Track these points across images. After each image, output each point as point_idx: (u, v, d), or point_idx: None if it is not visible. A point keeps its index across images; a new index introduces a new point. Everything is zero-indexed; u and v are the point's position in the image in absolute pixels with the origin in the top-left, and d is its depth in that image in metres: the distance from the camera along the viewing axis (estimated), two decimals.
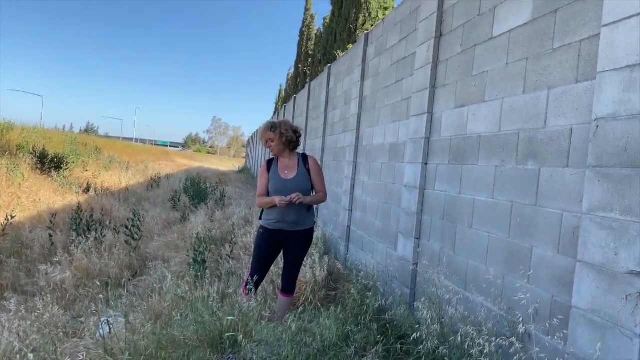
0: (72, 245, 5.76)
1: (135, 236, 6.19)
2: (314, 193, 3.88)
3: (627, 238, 1.90)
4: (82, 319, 3.78)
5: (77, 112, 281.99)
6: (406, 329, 3.38)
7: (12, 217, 6.63)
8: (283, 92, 34.32)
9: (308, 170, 3.82)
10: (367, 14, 11.20)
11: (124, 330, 2.89)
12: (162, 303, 3.65)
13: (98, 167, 16.68)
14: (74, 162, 14.40)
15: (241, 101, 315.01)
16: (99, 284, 4.24)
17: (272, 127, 3.80)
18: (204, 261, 4.70)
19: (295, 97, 13.58)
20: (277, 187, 3.68)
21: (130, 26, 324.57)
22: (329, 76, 8.58)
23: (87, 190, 12.34)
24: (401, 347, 3.20)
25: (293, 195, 3.51)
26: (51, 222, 7.05)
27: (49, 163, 13.09)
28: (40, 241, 6.54)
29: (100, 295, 3.75)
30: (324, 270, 4.73)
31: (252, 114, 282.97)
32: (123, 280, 4.83)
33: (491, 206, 3.02)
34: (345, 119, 7.02)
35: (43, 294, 4.43)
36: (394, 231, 4.60)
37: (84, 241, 5.77)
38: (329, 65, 8.82)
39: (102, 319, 3.19)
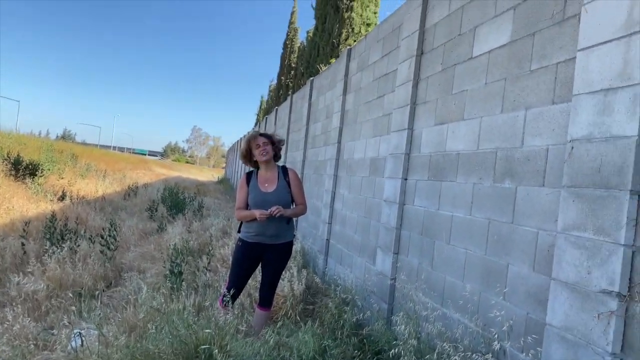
0: (46, 254, 5.63)
1: (111, 246, 6.08)
2: (294, 205, 3.86)
3: (600, 257, 1.95)
4: (53, 330, 3.69)
5: (54, 118, 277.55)
6: (383, 345, 3.39)
7: None
8: (264, 104, 34.33)
9: (288, 183, 3.81)
10: (350, 30, 11.33)
11: (97, 343, 2.83)
12: (136, 315, 3.58)
13: (74, 174, 16.39)
14: (49, 169, 14.12)
15: (222, 111, 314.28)
16: (72, 295, 4.14)
17: (263, 134, 3.85)
18: (180, 273, 4.63)
19: (277, 109, 13.60)
20: (258, 200, 3.65)
21: (110, 32, 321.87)
22: (311, 89, 8.63)
23: (62, 198, 12.10)
24: None
25: (273, 209, 3.49)
26: (24, 230, 6.89)
27: (23, 170, 12.82)
28: (12, 250, 6.37)
29: (73, 307, 3.66)
30: (302, 284, 4.71)
31: (232, 124, 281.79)
32: (97, 291, 4.73)
33: (469, 223, 3.05)
34: (327, 132, 7.05)
35: (14, 304, 4.31)
36: (373, 245, 4.62)
37: (58, 251, 5.65)
38: (311, 78, 8.88)
39: (75, 331, 3.12)
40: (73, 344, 3.06)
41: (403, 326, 3.13)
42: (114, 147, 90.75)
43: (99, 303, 4.23)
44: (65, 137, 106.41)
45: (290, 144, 10.29)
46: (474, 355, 2.51)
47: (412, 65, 4.07)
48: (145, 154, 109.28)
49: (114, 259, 6.00)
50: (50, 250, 5.68)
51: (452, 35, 3.55)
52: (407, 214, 3.96)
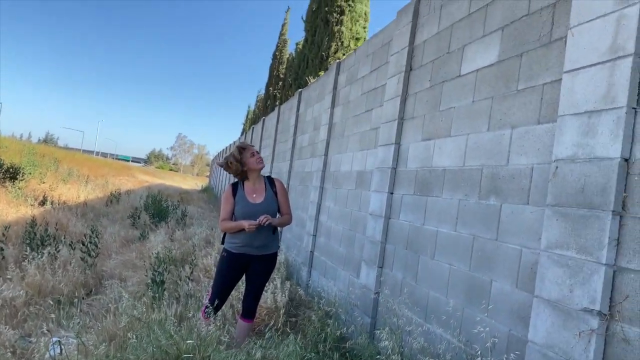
0: (25, 260, 5.52)
1: (92, 253, 5.99)
2: (279, 215, 3.86)
3: (582, 276, 1.98)
4: (32, 338, 3.61)
5: (36, 121, 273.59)
6: (366, 359, 3.38)
7: None
8: (251, 114, 34.31)
9: (275, 193, 3.82)
10: (339, 43, 11.42)
11: (76, 352, 2.77)
12: (117, 324, 3.53)
13: (56, 179, 16.15)
14: (30, 173, 13.91)
15: (207, 120, 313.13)
16: (51, 302, 4.05)
17: (253, 146, 3.88)
18: (162, 282, 4.58)
19: (264, 119, 13.60)
20: (246, 211, 3.62)
21: (95, 36, 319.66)
22: (299, 101, 8.66)
23: (43, 203, 11.91)
24: None
25: (262, 218, 3.48)
26: (3, 235, 6.75)
27: (3, 173, 12.61)
28: None
29: (52, 315, 3.59)
30: (285, 296, 4.69)
31: (218, 133, 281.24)
32: (76, 299, 4.64)
33: (454, 238, 3.08)
34: (314, 144, 7.07)
35: None
36: (358, 259, 4.62)
37: (37, 256, 5.54)
38: (299, 90, 8.91)
39: (53, 339, 3.06)
40: (51, 352, 3.00)
41: (386, 341, 3.13)
42: (97, 153, 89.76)
43: (78, 311, 4.16)
44: (48, 140, 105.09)
45: (276, 154, 10.29)
46: None
47: (401, 81, 4.12)
48: (128, 160, 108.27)
49: (94, 266, 5.91)
50: (30, 256, 5.57)
51: (440, 53, 3.60)
52: (392, 228, 3.98)
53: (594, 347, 1.88)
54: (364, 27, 11.83)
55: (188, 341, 2.76)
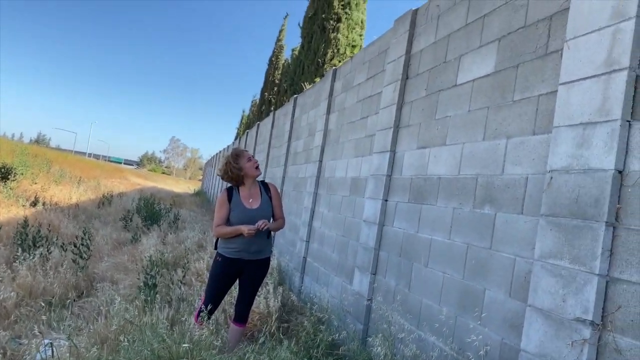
0: (17, 261, 5.47)
1: (84, 255, 5.95)
2: (272, 219, 3.86)
3: (575, 286, 2.00)
4: (23, 340, 3.57)
5: (28, 121, 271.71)
6: None
7: None
8: (246, 118, 34.30)
9: (270, 198, 3.82)
10: (335, 50, 11.47)
11: (68, 354, 2.75)
12: (108, 327, 3.50)
13: (48, 180, 16.05)
14: (22, 174, 13.81)
15: (201, 123, 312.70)
16: (43, 304, 4.02)
17: (247, 151, 3.89)
18: (154, 285, 4.56)
19: (259, 124, 13.61)
20: (243, 217, 3.60)
21: (90, 38, 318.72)
22: (294, 107, 8.68)
23: (34, 203, 11.81)
24: None
25: (260, 223, 3.48)
26: None
27: None
28: None
29: (44, 316, 3.56)
30: (278, 301, 4.68)
31: (211, 137, 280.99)
32: (68, 300, 4.61)
33: (448, 247, 3.10)
34: (309, 150, 7.08)
35: None
36: (351, 265, 4.63)
37: (29, 257, 5.50)
38: (295, 96, 8.93)
39: (45, 341, 3.03)
40: (41, 354, 2.97)
41: (379, 347, 3.13)
42: (90, 154, 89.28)
43: (69, 313, 4.12)
44: (39, 141, 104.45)
45: (270, 159, 10.29)
46: None
47: (397, 89, 4.14)
48: (121, 163, 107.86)
49: (86, 268, 5.87)
50: (22, 257, 5.53)
51: (437, 62, 3.63)
52: (386, 235, 3.99)
53: (586, 356, 1.90)
54: (360, 35, 11.90)
55: (184, 344, 2.75)
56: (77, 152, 76.94)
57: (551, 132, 2.30)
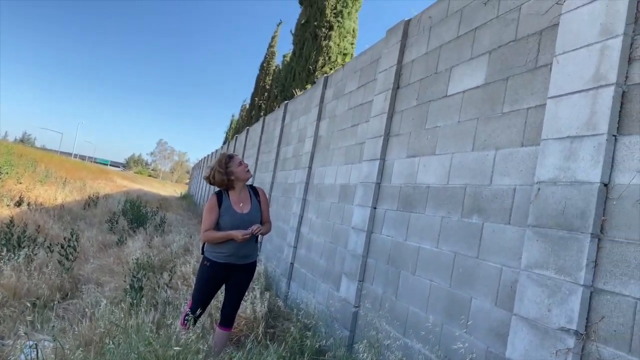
0: (1, 261, 5.40)
1: (70, 257, 5.88)
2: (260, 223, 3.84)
3: (560, 296, 2.03)
4: (7, 341, 3.52)
5: (13, 120, 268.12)
6: None
7: None
8: (235, 123, 34.25)
9: (259, 202, 3.81)
10: (326, 58, 11.53)
11: (53, 356, 2.72)
12: (93, 329, 3.47)
13: (33, 180, 15.84)
14: (7, 173, 13.62)
15: (190, 127, 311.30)
16: (28, 304, 3.97)
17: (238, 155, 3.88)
18: (141, 288, 4.53)
19: (248, 129, 13.61)
20: (234, 221, 3.55)
21: (79, 39, 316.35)
22: (285, 113, 8.70)
23: (19, 203, 11.66)
24: None
25: (254, 227, 3.47)
26: None
27: None
28: None
29: (29, 317, 3.51)
30: (264, 307, 4.67)
31: (200, 141, 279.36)
32: (52, 302, 4.55)
33: (435, 255, 3.13)
34: (298, 156, 7.10)
35: None
36: (338, 272, 4.64)
37: (14, 258, 5.42)
38: (286, 102, 8.96)
39: (29, 343, 2.99)
40: (25, 355, 2.94)
41: (365, 354, 3.15)
42: (76, 155, 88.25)
43: (53, 314, 4.08)
44: (25, 140, 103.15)
45: (260, 164, 10.29)
46: None
47: (388, 98, 4.19)
48: (107, 164, 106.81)
49: (71, 269, 5.80)
50: (6, 257, 5.45)
51: (428, 73, 3.68)
52: (374, 242, 4.02)
53: None
54: (352, 43, 11.98)
55: (175, 347, 2.74)
56: (62, 153, 76.07)
57: (539, 144, 2.35)
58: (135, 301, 4.24)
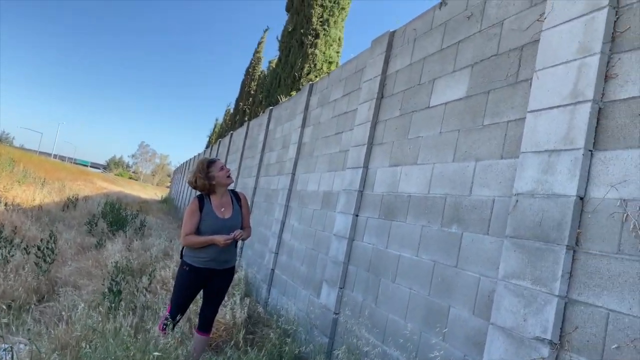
0: None
1: (48, 259, 5.79)
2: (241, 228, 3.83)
3: (535, 306, 2.08)
4: None
5: None
6: None
7: None
8: (219, 127, 34.12)
9: (240, 207, 3.81)
10: (312, 65, 11.59)
11: (28, 359, 2.67)
12: (70, 333, 3.42)
13: (11, 180, 15.52)
14: None
15: (173, 130, 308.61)
16: (4, 307, 3.89)
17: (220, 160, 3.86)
18: (119, 292, 4.48)
19: (232, 134, 13.57)
20: (216, 226, 3.54)
21: (59, 38, 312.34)
22: (269, 118, 8.71)
23: None
24: None
25: (236, 233, 3.47)
26: None
27: None
28: None
29: (4, 320, 3.44)
30: (244, 313, 4.66)
31: (182, 144, 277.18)
32: (28, 305, 4.48)
33: (415, 263, 3.16)
34: (282, 162, 7.11)
35: None
36: (319, 278, 4.65)
37: None
38: (271, 107, 8.97)
39: (4, 346, 2.94)
40: (2, 359, 2.88)
41: None
42: (55, 156, 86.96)
43: (29, 317, 4.01)
44: (3, 139, 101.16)
45: (242, 169, 10.27)
46: None
47: (372, 108, 4.23)
48: (87, 165, 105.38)
49: (48, 272, 5.71)
50: None
51: (412, 84, 3.74)
52: (355, 249, 4.04)
53: None
54: (337, 52, 12.06)
55: (154, 353, 2.71)
56: (42, 153, 74.93)
57: (518, 157, 2.40)
58: (113, 305, 4.19)
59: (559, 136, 2.15)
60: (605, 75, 2.06)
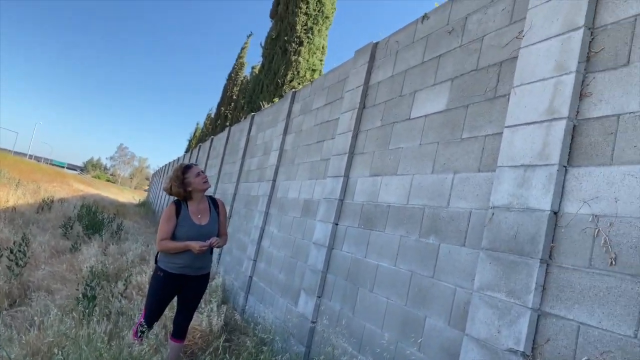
0: None
1: (20, 262, 5.66)
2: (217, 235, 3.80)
3: (509, 318, 2.12)
4: None
5: None
6: None
7: None
8: (199, 131, 33.90)
9: (218, 214, 3.77)
10: (295, 72, 11.63)
11: None
12: (42, 338, 3.35)
13: None
14: None
15: (152, 133, 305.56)
16: None
17: (197, 165, 3.83)
18: (94, 297, 4.40)
19: (212, 138, 13.50)
20: (192, 233, 3.51)
21: (38, 36, 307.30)
22: (251, 124, 8.69)
23: None
24: None
25: (213, 240, 3.43)
26: None
27: None
28: None
29: None
30: (221, 320, 4.62)
31: (162, 147, 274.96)
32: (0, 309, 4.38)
33: (393, 273, 3.19)
34: (263, 168, 7.10)
35: None
36: (297, 287, 4.65)
37: None
38: (253, 113, 8.96)
39: None
40: None
41: None
42: (31, 156, 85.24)
43: (0, 322, 3.92)
44: None
45: (222, 175, 10.21)
46: None
47: (354, 117, 4.26)
48: (63, 167, 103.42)
49: (20, 276, 5.59)
50: None
51: (393, 95, 3.78)
52: (334, 258, 4.05)
53: None
54: (321, 60, 12.13)
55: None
56: (17, 153, 73.38)
57: (495, 170, 2.45)
58: (87, 310, 4.12)
59: (534, 151, 2.20)
60: (580, 94, 2.12)
